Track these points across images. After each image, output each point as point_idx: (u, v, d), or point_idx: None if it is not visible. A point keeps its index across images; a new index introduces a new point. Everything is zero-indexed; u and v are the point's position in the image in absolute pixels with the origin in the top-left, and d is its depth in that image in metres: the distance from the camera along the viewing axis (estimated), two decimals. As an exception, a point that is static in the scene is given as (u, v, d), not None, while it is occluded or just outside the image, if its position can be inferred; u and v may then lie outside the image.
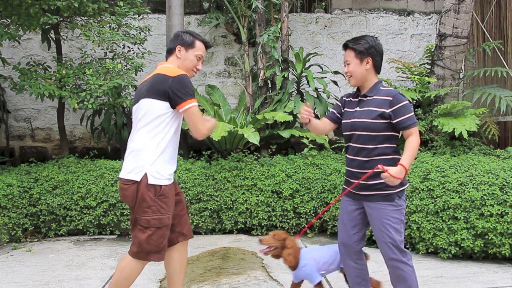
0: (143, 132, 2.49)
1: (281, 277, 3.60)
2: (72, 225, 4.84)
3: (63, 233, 4.89)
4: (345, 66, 2.64)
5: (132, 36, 5.43)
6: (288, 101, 5.75)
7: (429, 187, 4.06)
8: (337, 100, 6.12)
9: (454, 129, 4.74)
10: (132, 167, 2.47)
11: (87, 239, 4.84)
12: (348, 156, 2.63)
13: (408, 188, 4.15)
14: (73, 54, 6.28)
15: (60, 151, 5.89)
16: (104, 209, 4.79)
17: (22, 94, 5.69)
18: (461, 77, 5.71)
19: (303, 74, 6.00)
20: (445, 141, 5.05)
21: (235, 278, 3.61)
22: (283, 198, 4.82)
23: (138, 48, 5.65)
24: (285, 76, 5.92)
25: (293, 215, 4.82)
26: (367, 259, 2.80)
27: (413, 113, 2.51)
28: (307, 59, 6.05)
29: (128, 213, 4.78)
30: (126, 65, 5.35)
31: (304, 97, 5.89)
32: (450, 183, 3.99)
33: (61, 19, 5.11)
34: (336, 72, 6.11)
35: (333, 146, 5.78)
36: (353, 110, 2.62)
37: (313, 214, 4.86)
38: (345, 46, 2.61)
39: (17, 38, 4.90)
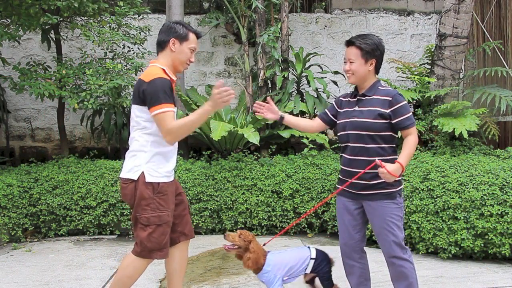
0: (138, 134, 2.52)
1: (281, 277, 3.60)
2: (72, 225, 4.84)
3: (63, 233, 4.89)
4: (345, 62, 2.60)
5: (132, 36, 5.43)
6: (288, 101, 5.75)
7: (429, 187, 4.06)
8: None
9: (454, 129, 4.74)
10: (130, 166, 2.50)
11: (87, 239, 4.84)
12: (346, 156, 2.61)
13: (408, 188, 4.16)
14: (73, 54, 6.28)
15: (60, 151, 5.89)
16: (104, 209, 4.79)
17: (22, 94, 5.69)
18: (461, 77, 5.71)
19: (303, 74, 6.00)
20: (445, 141, 5.05)
21: (235, 278, 3.61)
22: (283, 198, 4.82)
23: (138, 48, 5.65)
24: (285, 76, 5.92)
25: (293, 215, 4.82)
26: (331, 264, 2.79)
27: (411, 113, 2.52)
28: (307, 59, 6.05)
29: (128, 213, 4.78)
30: (126, 65, 5.35)
31: (304, 97, 5.89)
32: (450, 183, 3.99)
33: (61, 19, 5.11)
34: (336, 72, 6.11)
35: (333, 146, 5.77)
36: (352, 109, 2.61)
37: (313, 214, 4.86)
38: (350, 43, 2.56)
39: (17, 38, 4.90)
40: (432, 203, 3.98)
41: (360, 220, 2.65)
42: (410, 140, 2.48)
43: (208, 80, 6.80)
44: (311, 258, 2.72)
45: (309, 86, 5.77)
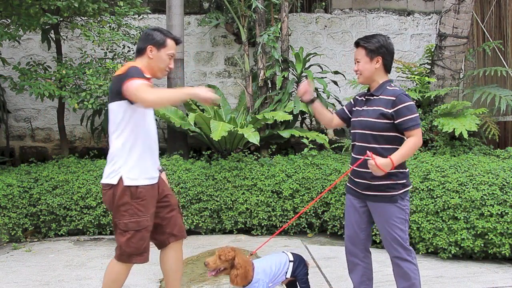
0: (114, 138, 2.51)
1: (281, 277, 3.60)
2: (72, 225, 4.84)
3: (63, 233, 4.89)
4: (355, 63, 2.64)
5: (132, 36, 5.43)
6: (288, 101, 5.75)
7: (429, 187, 4.06)
8: (337, 100, 6.14)
9: (454, 129, 4.73)
10: (109, 171, 2.49)
11: (87, 239, 4.84)
12: (353, 155, 2.64)
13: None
14: (73, 54, 6.27)
15: (60, 151, 5.89)
16: (104, 209, 4.79)
17: (22, 94, 5.69)
18: (461, 77, 5.71)
19: (303, 74, 6.00)
20: (445, 141, 5.05)
21: (235, 278, 3.61)
22: (283, 198, 4.82)
23: (138, 48, 5.64)
24: (285, 76, 5.92)
25: (293, 215, 4.82)
26: (308, 267, 2.78)
27: (416, 114, 2.48)
28: (307, 59, 6.05)
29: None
30: (126, 65, 5.34)
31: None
32: (450, 183, 3.99)
33: (61, 19, 5.11)
34: (336, 72, 6.11)
35: (333, 146, 5.77)
36: (361, 109, 2.63)
37: (313, 214, 4.86)
38: (357, 44, 2.61)
39: (17, 38, 4.90)
40: (432, 203, 3.98)
41: (366, 219, 2.65)
42: (410, 141, 2.46)
43: (208, 80, 6.80)
44: (289, 261, 2.71)
45: (309, 86, 5.76)
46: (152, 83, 2.64)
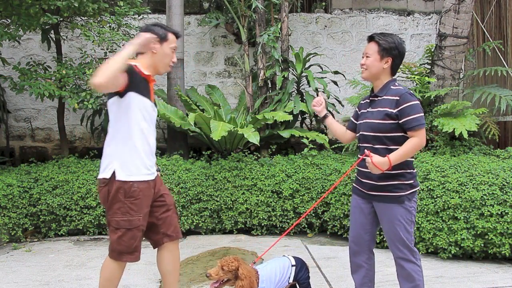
0: (110, 135, 2.52)
1: (281, 277, 3.60)
2: (72, 225, 4.84)
3: (63, 233, 4.89)
4: (363, 57, 2.59)
5: (132, 36, 5.43)
6: (288, 101, 5.75)
7: (429, 187, 4.06)
8: (337, 100, 6.14)
9: (454, 129, 4.73)
10: (104, 167, 2.50)
11: (87, 239, 4.84)
12: (359, 156, 2.62)
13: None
14: (73, 54, 6.27)
15: (60, 151, 5.89)
16: (104, 209, 4.78)
17: (22, 94, 5.69)
18: (461, 77, 5.71)
19: (303, 74, 6.00)
20: (445, 141, 5.05)
21: (235, 278, 3.61)
22: (283, 198, 4.82)
23: (138, 48, 5.64)
24: (285, 76, 5.92)
25: (293, 215, 4.82)
26: (307, 269, 2.76)
27: (421, 114, 2.42)
28: (307, 59, 6.05)
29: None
30: (126, 65, 5.34)
31: (304, 97, 5.89)
32: (450, 183, 3.99)
33: (61, 19, 5.11)
34: (336, 72, 6.11)
35: (333, 146, 5.77)
36: (366, 111, 2.61)
37: (313, 214, 4.86)
38: (371, 38, 2.56)
39: (17, 38, 4.90)
40: (432, 203, 3.98)
41: (371, 220, 2.64)
42: (411, 141, 2.41)
43: (208, 80, 6.81)
44: (292, 265, 2.69)
45: (309, 86, 5.77)
46: (154, 80, 2.65)
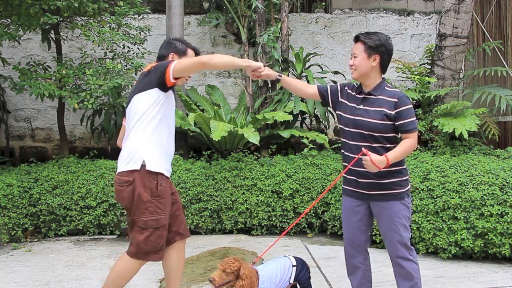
0: (137, 124, 2.52)
1: (281, 277, 3.60)
2: (72, 225, 4.84)
3: (63, 233, 4.89)
4: (351, 58, 2.61)
5: (132, 36, 5.43)
6: (288, 101, 5.75)
7: (429, 187, 4.06)
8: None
9: (454, 129, 4.73)
10: (128, 159, 2.49)
11: (87, 239, 4.84)
12: (347, 153, 2.59)
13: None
14: (73, 54, 6.27)
15: (60, 151, 5.89)
16: (104, 209, 4.79)
17: (22, 94, 5.68)
18: (461, 77, 5.71)
19: (303, 74, 6.00)
20: (445, 141, 5.05)
21: (235, 278, 3.61)
22: (283, 198, 4.82)
23: (138, 48, 5.64)
24: (285, 76, 5.91)
25: (293, 215, 4.82)
26: (308, 269, 2.76)
27: (415, 117, 2.51)
28: (307, 59, 6.05)
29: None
30: (126, 65, 5.35)
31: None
32: (450, 183, 3.99)
33: (61, 19, 5.10)
34: (336, 72, 6.11)
35: (333, 146, 5.77)
36: (356, 106, 2.56)
37: (313, 214, 4.86)
38: (356, 38, 2.60)
39: (17, 38, 4.90)
40: (432, 203, 3.98)
41: (366, 221, 2.64)
42: (407, 142, 2.47)
43: (208, 80, 6.80)
44: (293, 266, 2.68)
45: (309, 86, 5.76)
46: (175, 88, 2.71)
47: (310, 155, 5.18)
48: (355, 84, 2.70)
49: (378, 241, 4.27)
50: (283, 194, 4.78)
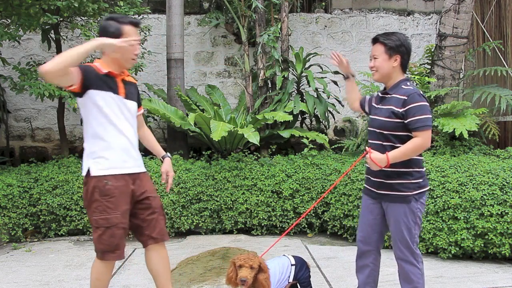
0: (84, 135, 2.56)
1: (281, 277, 3.60)
2: (72, 225, 4.84)
3: (63, 233, 4.89)
4: (371, 60, 2.59)
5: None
6: (288, 101, 5.75)
7: (429, 187, 4.05)
8: (337, 100, 6.14)
9: (454, 129, 4.73)
10: (83, 166, 2.53)
11: (87, 239, 4.84)
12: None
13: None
14: (73, 54, 6.26)
15: (60, 151, 5.89)
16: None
17: (22, 94, 5.68)
18: (461, 77, 5.71)
19: (303, 74, 6.00)
20: (445, 141, 5.05)
21: (235, 278, 3.61)
22: (283, 198, 4.81)
23: (138, 48, 5.64)
24: (285, 76, 5.92)
25: (293, 215, 4.82)
26: (308, 268, 2.75)
27: (427, 116, 2.40)
28: (307, 59, 6.05)
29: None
30: (126, 65, 5.34)
31: (304, 97, 5.89)
32: (450, 183, 3.99)
33: (61, 19, 5.11)
34: (336, 72, 6.10)
35: (333, 146, 5.78)
36: (375, 106, 2.62)
37: (313, 214, 4.86)
38: (375, 40, 2.57)
39: (17, 38, 4.90)
40: (432, 203, 3.98)
41: (380, 220, 2.63)
42: (413, 141, 2.40)
43: (208, 80, 6.81)
44: (291, 265, 2.67)
45: (309, 86, 5.77)
46: (125, 73, 2.61)
47: (310, 155, 5.18)
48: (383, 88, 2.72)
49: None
50: (283, 194, 4.78)
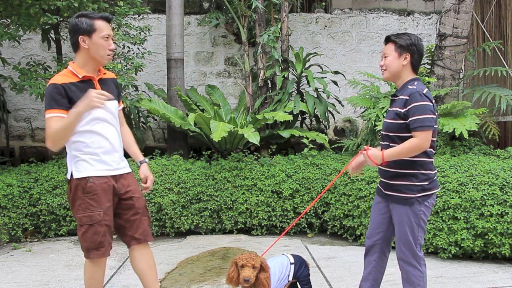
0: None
1: (281, 277, 3.60)
2: (72, 225, 4.84)
3: (63, 233, 4.89)
4: (382, 59, 2.58)
5: (132, 36, 5.43)
6: (288, 101, 5.75)
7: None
8: (337, 99, 6.14)
9: (454, 129, 4.73)
10: (68, 169, 2.56)
11: (87, 239, 4.84)
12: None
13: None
14: (73, 54, 6.20)
15: (60, 151, 5.89)
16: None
17: (22, 94, 5.69)
18: (461, 77, 5.71)
19: (303, 74, 6.00)
20: (445, 141, 5.05)
21: (235, 278, 3.61)
22: (283, 198, 4.81)
23: (138, 48, 5.65)
24: (285, 76, 5.92)
25: (293, 215, 4.82)
26: (307, 266, 2.75)
27: (427, 116, 2.35)
28: (307, 59, 6.05)
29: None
30: (126, 65, 5.35)
31: (304, 97, 5.89)
32: (450, 183, 3.99)
33: (61, 19, 5.11)
34: (336, 72, 6.11)
35: (333, 146, 5.78)
36: (388, 109, 2.66)
37: (313, 214, 4.86)
38: (387, 39, 2.56)
39: (17, 38, 4.90)
40: (432, 203, 3.97)
41: (387, 220, 2.63)
42: (408, 141, 2.37)
43: (208, 80, 6.81)
44: (291, 263, 2.68)
45: (309, 86, 5.77)
46: (102, 71, 2.61)
47: (310, 155, 5.18)
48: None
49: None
50: (283, 194, 4.78)
